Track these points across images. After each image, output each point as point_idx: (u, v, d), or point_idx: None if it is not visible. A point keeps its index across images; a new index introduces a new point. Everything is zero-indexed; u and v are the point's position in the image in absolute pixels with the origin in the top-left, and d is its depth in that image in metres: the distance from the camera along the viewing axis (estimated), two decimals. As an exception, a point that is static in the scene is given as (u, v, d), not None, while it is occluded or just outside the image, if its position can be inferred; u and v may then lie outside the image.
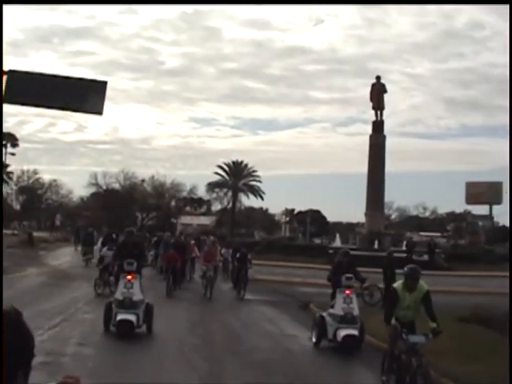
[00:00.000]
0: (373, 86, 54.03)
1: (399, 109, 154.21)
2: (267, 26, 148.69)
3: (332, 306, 14.18)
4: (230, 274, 30.92)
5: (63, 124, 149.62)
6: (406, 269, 9.88)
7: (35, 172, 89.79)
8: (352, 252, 37.99)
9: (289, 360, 13.36)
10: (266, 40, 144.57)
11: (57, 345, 12.89)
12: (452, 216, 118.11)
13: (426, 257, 43.83)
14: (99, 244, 27.63)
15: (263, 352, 13.87)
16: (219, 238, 43.62)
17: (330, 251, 45.97)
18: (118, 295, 13.96)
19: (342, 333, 13.50)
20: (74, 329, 15.08)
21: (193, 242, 34.14)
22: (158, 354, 12.67)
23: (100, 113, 27.45)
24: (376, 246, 48.66)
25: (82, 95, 25.56)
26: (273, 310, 21.02)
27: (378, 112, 53.38)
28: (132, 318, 13.61)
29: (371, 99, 53.75)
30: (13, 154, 70.53)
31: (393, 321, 9.76)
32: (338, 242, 55.56)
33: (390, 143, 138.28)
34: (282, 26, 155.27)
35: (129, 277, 13.98)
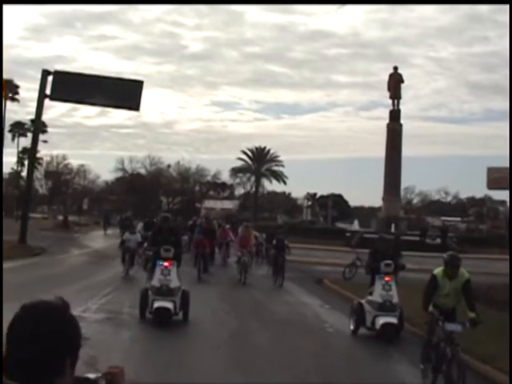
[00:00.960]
0: (390, 75, 56.70)
1: (422, 93, 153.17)
2: (290, 10, 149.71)
3: (370, 293, 13.99)
4: (265, 258, 31.00)
5: (86, 108, 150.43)
6: (446, 256, 9.72)
7: (64, 158, 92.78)
8: (370, 235, 41.30)
9: (299, 320, 16.50)
10: (288, 24, 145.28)
11: (113, 307, 16.15)
12: (472, 201, 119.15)
13: (438, 240, 46.72)
14: (139, 228, 28.53)
15: (281, 314, 17.06)
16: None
17: (348, 234, 49.17)
18: (155, 282, 13.78)
19: (381, 321, 13.36)
20: (123, 295, 18.29)
21: (228, 226, 34.62)
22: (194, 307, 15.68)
23: (137, 109, 31.43)
24: (393, 229, 51.42)
25: (121, 93, 29.44)
26: (291, 285, 23.98)
27: (395, 101, 56.09)
28: (169, 305, 13.52)
29: (389, 89, 56.45)
30: (45, 142, 72.35)
31: (430, 307, 9.59)
32: (356, 226, 58.33)
33: (413, 127, 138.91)
34: (304, 10, 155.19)
35: (166, 263, 13.85)
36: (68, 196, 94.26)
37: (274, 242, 25.81)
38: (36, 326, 2.24)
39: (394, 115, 55.80)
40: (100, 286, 19.57)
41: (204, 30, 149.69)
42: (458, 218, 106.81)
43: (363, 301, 14.15)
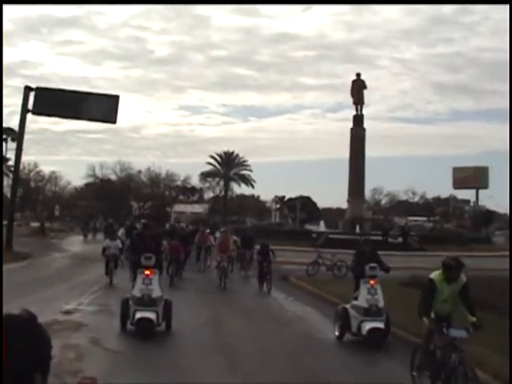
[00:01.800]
0: (353, 82, 59.65)
1: (389, 94, 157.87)
2: (255, 13, 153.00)
3: (355, 298, 13.79)
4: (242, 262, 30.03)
5: None
6: (447, 259, 9.40)
7: (36, 165, 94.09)
8: (335, 236, 43.98)
9: (266, 309, 19.19)
10: (254, 27, 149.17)
11: (103, 301, 18.60)
12: (438, 201, 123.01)
13: (400, 239, 49.84)
14: (120, 234, 29.68)
15: (251, 305, 19.79)
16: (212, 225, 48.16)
17: (314, 235, 52.07)
18: (136, 292, 13.37)
19: (367, 326, 13.16)
20: (110, 292, 20.72)
21: (208, 231, 34.48)
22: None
23: (114, 122, 34.00)
24: (357, 230, 54.42)
25: (99, 107, 31.93)
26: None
27: (359, 106, 59.07)
28: (152, 315, 13.16)
29: (352, 95, 59.37)
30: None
31: (432, 314, 9.29)
32: (322, 227, 61.17)
33: (381, 128, 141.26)
34: (270, 13, 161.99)
35: (147, 272, 13.46)
36: (40, 203, 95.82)
37: (259, 247, 25.85)
38: (3, 341, 2.19)
39: (358, 120, 58.73)
40: (88, 285, 22.00)
41: (170, 34, 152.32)
42: (425, 218, 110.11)
43: (348, 306, 13.92)
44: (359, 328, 13.37)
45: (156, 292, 13.50)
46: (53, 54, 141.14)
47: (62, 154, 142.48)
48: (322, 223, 62.82)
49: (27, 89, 30.99)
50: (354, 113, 59.43)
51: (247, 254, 27.86)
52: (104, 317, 16.03)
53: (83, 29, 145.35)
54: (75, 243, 46.86)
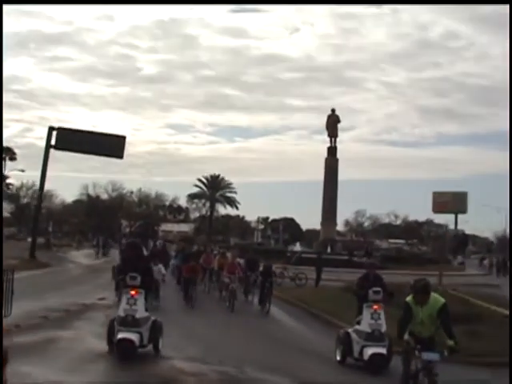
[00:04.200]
0: (329, 117, 68.29)
1: (375, 117, 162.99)
2: (244, 34, 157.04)
3: (358, 322, 13.88)
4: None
5: (40, 129, 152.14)
6: (412, 283, 9.56)
7: (33, 184, 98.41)
8: (306, 255, 52.09)
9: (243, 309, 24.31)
10: (242, 48, 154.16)
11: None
12: (416, 224, 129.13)
13: (364, 259, 58.00)
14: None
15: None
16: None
17: (288, 254, 60.31)
18: (121, 312, 13.30)
19: (369, 351, 13.20)
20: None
21: (215, 252, 34.38)
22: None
23: (121, 157, 43.10)
24: (329, 250, 62.70)
25: (109, 145, 40.78)
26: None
27: (333, 139, 67.76)
28: (133, 337, 12.92)
29: (327, 128, 68.00)
30: (22, 171, 79.27)
31: (406, 336, 9.50)
32: (298, 247, 69.21)
33: (367, 150, 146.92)
34: (258, 34, 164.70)
35: (132, 292, 13.33)
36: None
37: (261, 268, 26.06)
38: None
39: (332, 151, 67.29)
40: (106, 285, 28.91)
41: (158, 53, 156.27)
42: (402, 241, 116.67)
43: (350, 330, 13.99)
44: (361, 353, 13.43)
45: (140, 312, 13.27)
46: (41, 70, 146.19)
47: (49, 169, 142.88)
48: (297, 244, 71.08)
49: (51, 129, 39.77)
50: (329, 145, 67.94)
51: (252, 277, 27.15)
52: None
53: (72, 45, 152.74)
54: (81, 256, 54.27)
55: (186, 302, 23.68)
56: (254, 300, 26.29)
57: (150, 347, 13.37)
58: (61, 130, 39.71)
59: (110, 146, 40.29)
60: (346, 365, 13.80)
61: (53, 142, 40.03)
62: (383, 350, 13.00)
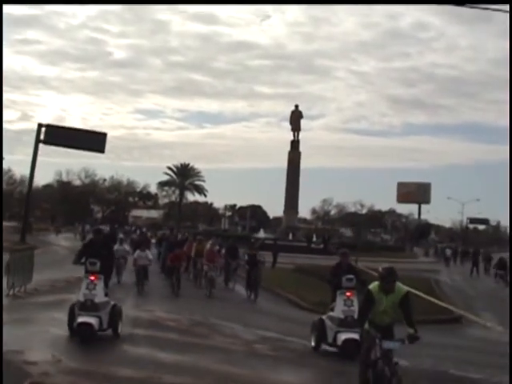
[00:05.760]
0: (292, 112, 74.19)
1: (344, 106, 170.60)
2: (214, 21, 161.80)
3: (332, 309, 14.21)
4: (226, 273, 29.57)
5: (8, 113, 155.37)
6: (381, 269, 9.38)
7: (9, 169, 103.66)
8: (269, 241, 58.04)
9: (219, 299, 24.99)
10: (212, 34, 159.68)
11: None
12: (379, 214, 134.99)
13: (322, 246, 64.35)
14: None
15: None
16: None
17: (252, 240, 66.16)
18: (80, 297, 13.61)
19: (343, 336, 13.52)
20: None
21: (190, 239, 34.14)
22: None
23: (102, 151, 49.84)
24: (290, 237, 69.02)
25: (91, 140, 47.33)
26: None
27: (296, 133, 73.63)
28: (93, 320, 13.26)
29: (290, 123, 73.96)
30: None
31: (366, 325, 9.51)
32: (261, 234, 74.69)
33: (335, 139, 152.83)
34: (228, 21, 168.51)
35: (92, 277, 13.63)
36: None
37: (247, 257, 26.39)
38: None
39: (295, 145, 73.34)
40: None
41: (129, 38, 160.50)
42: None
43: (324, 317, 14.29)
44: (335, 338, 13.73)
45: (99, 297, 13.60)
46: (10, 53, 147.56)
47: (19, 153, 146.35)
48: (261, 231, 76.74)
49: (40, 125, 45.92)
50: (292, 138, 73.89)
51: (232, 265, 28.32)
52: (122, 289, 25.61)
53: (42, 29, 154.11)
54: (61, 239, 59.57)
55: (172, 290, 23.86)
56: (235, 287, 27.60)
57: (110, 331, 13.80)
58: (49, 127, 45.93)
59: (93, 141, 46.72)
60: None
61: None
62: (356, 336, 12.85)
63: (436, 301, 25.24)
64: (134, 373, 10.79)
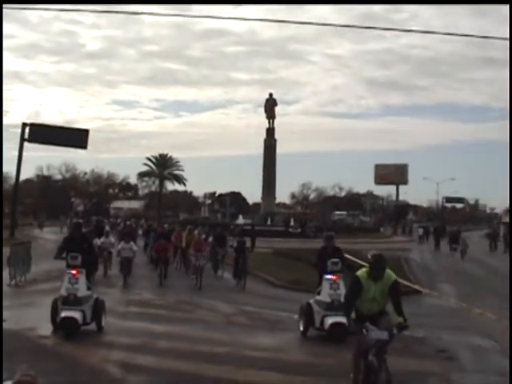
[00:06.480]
0: (267, 100, 75.81)
1: (320, 89, 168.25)
2: (187, 8, 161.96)
3: (318, 293, 14.23)
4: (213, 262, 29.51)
5: None
6: (370, 257, 9.03)
7: None
8: (248, 227, 60.20)
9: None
10: (185, 22, 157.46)
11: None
12: (358, 196, 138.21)
13: (299, 230, 66.36)
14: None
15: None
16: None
17: (231, 226, 68.26)
18: (63, 291, 13.64)
19: (330, 320, 13.54)
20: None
21: (179, 229, 33.82)
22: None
23: (85, 147, 52.56)
24: (269, 222, 71.03)
25: (74, 137, 50.02)
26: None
27: (271, 121, 75.32)
28: (76, 315, 13.28)
29: (265, 110, 75.65)
30: None
31: (353, 314, 9.20)
32: (240, 220, 76.32)
33: (312, 123, 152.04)
34: (201, 9, 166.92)
35: (73, 272, 13.66)
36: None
37: (235, 244, 26.64)
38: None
39: (270, 133, 75.17)
40: None
41: (102, 29, 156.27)
42: (344, 212, 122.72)
43: (311, 301, 14.29)
44: (322, 322, 13.78)
45: (82, 291, 13.62)
46: None
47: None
48: (240, 217, 78.50)
49: (24, 125, 47.94)
50: (267, 126, 75.51)
51: (220, 253, 28.71)
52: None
53: (15, 22, 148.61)
54: (46, 234, 61.06)
55: (159, 281, 24.08)
56: (224, 275, 28.02)
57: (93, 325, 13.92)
58: (33, 126, 48.10)
59: (76, 138, 48.88)
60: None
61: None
62: (343, 319, 12.35)
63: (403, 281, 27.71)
64: (133, 340, 13.08)
